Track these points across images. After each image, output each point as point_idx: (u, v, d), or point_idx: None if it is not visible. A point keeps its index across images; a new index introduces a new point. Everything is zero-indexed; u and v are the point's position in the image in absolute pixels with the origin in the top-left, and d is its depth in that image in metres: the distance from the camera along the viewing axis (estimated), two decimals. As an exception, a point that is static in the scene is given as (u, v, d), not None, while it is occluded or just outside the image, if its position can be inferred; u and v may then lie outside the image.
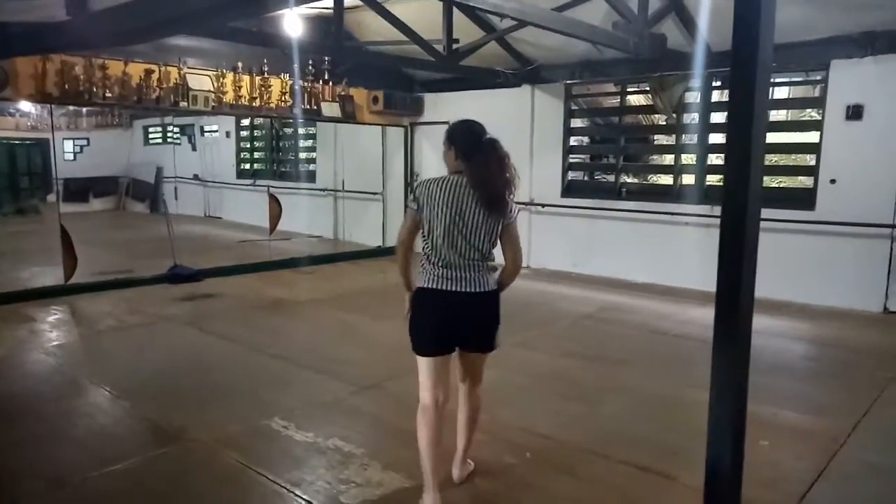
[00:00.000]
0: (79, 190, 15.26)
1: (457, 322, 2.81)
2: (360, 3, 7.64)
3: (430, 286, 2.79)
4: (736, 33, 2.08)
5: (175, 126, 14.81)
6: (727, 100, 8.42)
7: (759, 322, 5.63)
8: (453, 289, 2.76)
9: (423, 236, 2.83)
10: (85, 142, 15.93)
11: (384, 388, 4.40)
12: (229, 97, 7.89)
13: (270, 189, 9.68)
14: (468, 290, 2.76)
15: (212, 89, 7.73)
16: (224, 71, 7.81)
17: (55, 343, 5.36)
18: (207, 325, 5.93)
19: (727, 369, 2.13)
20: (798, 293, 6.84)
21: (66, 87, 6.65)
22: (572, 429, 3.74)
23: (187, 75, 7.51)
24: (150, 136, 16.21)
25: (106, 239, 11.08)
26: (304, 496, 2.95)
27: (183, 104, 7.51)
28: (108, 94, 6.96)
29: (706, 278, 7.20)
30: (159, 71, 7.30)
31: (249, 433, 3.62)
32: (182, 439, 3.55)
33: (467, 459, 3.17)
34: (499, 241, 2.83)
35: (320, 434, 3.58)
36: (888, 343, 5.58)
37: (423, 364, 2.85)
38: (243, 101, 8.03)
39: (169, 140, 15.58)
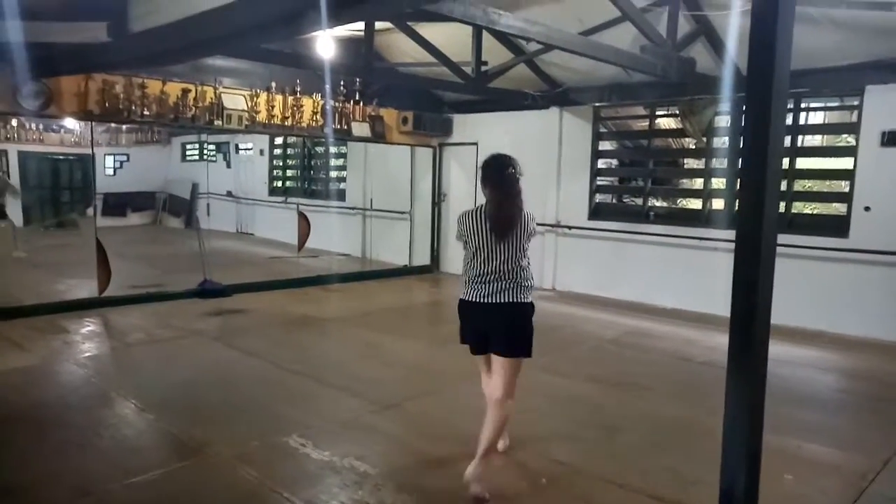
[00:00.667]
0: (117, 204, 15.67)
1: (483, 324, 3.31)
2: (391, 26, 7.83)
3: (467, 298, 3.34)
4: (751, 61, 2.08)
5: (211, 143, 15.21)
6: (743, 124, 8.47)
7: (789, 352, 5.53)
8: (484, 301, 3.26)
9: (465, 254, 3.38)
10: (125, 157, 16.41)
11: (403, 408, 4.42)
12: (262, 116, 8.08)
13: (300, 207, 9.82)
14: (496, 301, 3.24)
15: (246, 108, 7.92)
16: (258, 91, 8.01)
17: (87, 354, 5.50)
18: (234, 340, 6.03)
19: (741, 395, 2.12)
20: (830, 323, 6.68)
21: (107, 104, 6.90)
22: (590, 456, 3.70)
23: (222, 95, 7.72)
24: (188, 152, 16.64)
25: (140, 252, 11.35)
26: (317, 515, 2.98)
27: (217, 122, 7.72)
28: (147, 112, 7.19)
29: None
30: (196, 90, 7.52)
31: (268, 450, 3.66)
32: (202, 454, 3.61)
33: (485, 464, 3.20)
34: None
35: (336, 453, 3.61)
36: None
37: (480, 361, 3.49)
38: (276, 120, 8.21)
39: (205, 157, 15.99)
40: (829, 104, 7.11)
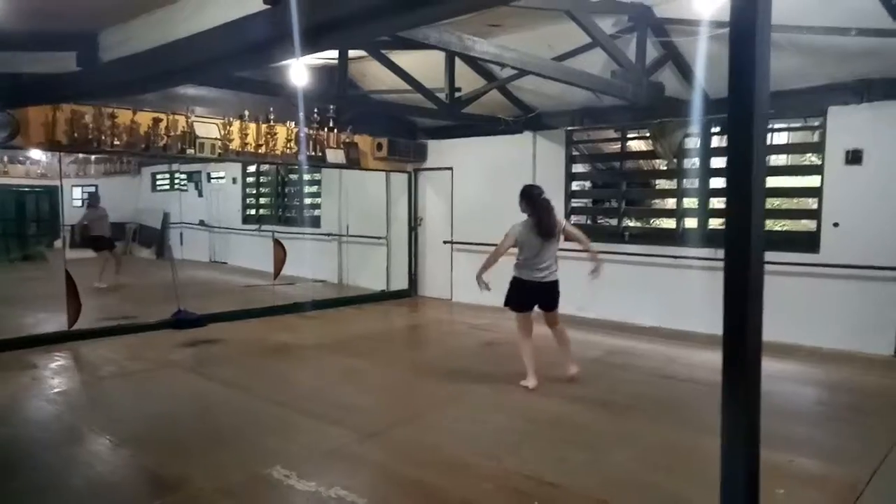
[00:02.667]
0: (87, 238, 15.36)
1: (539, 295, 5.37)
2: (365, 54, 7.88)
3: (524, 278, 5.30)
4: (732, 85, 2.10)
5: (182, 173, 15.03)
6: (726, 145, 8.66)
7: (768, 366, 5.54)
8: (536, 279, 5.29)
9: (518, 251, 5.30)
10: (93, 188, 16.11)
11: (387, 435, 4.34)
12: (236, 144, 8.02)
13: (275, 234, 9.73)
14: (547, 280, 5.35)
15: (218, 137, 7.85)
16: (231, 119, 7.96)
17: (56, 390, 5.31)
18: (210, 371, 5.89)
19: (737, 413, 2.10)
20: (806, 336, 6.78)
21: (76, 135, 6.77)
22: (580, 476, 3.66)
23: (194, 123, 7.65)
24: (158, 182, 16.42)
25: (111, 284, 11.08)
26: (305, 549, 2.88)
27: (190, 151, 7.63)
28: (117, 142, 7.08)
29: (712, 321, 7.21)
30: (167, 119, 7.43)
31: (250, 483, 3.55)
32: (181, 489, 3.48)
33: (572, 363, 5.50)
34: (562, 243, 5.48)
35: (322, 483, 3.51)
36: (899, 387, 5.50)
37: (521, 317, 5.40)
38: (249, 148, 8.15)
39: (176, 187, 15.79)
40: (793, 125, 7.28)
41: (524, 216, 5.31)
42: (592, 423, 4.60)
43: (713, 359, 6.03)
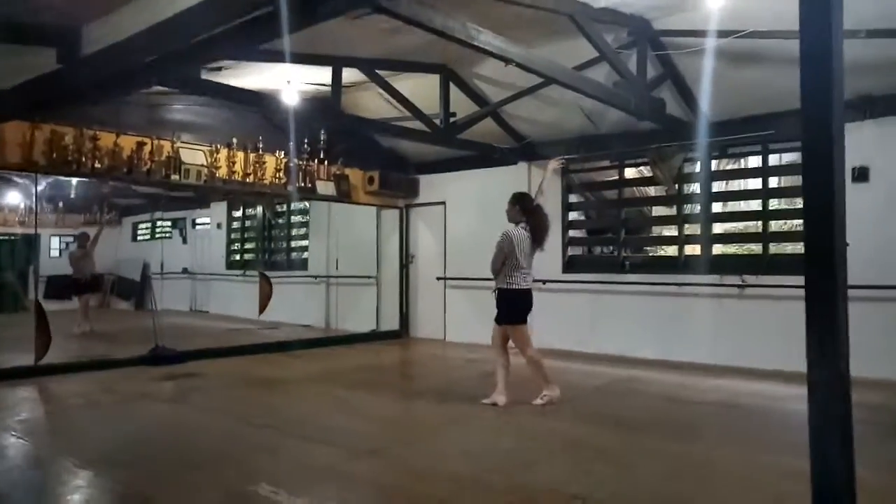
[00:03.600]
0: (63, 286, 14.84)
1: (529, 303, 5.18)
2: (357, 83, 7.75)
3: (523, 287, 5.08)
4: (806, 103, 1.89)
5: (166, 219, 14.70)
6: (731, 168, 8.52)
7: (796, 391, 5.13)
8: (528, 285, 5.13)
9: (509, 259, 5.04)
10: (72, 238, 15.68)
11: (381, 455, 3.88)
12: (223, 172, 7.73)
13: (262, 271, 9.34)
14: (530, 286, 5.16)
15: (205, 164, 7.57)
16: (218, 146, 7.70)
17: (17, 418, 4.79)
18: (188, 400, 5.41)
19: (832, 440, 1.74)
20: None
21: (55, 156, 6.46)
22: (606, 488, 3.23)
23: (180, 149, 7.38)
24: (139, 232, 16.07)
25: (87, 331, 10.52)
26: (296, 564, 2.42)
27: (175, 177, 7.32)
28: (98, 165, 6.77)
29: (720, 352, 6.92)
30: (152, 144, 7.16)
31: (231, 500, 3.08)
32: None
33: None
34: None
35: (315, 499, 3.05)
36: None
37: (524, 328, 5.11)
38: (237, 176, 7.87)
39: (158, 235, 15.42)
40: (795, 145, 7.13)
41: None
42: (609, 442, 4.18)
43: (725, 385, 5.78)
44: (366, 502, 3.05)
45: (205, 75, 5.92)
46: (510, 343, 5.19)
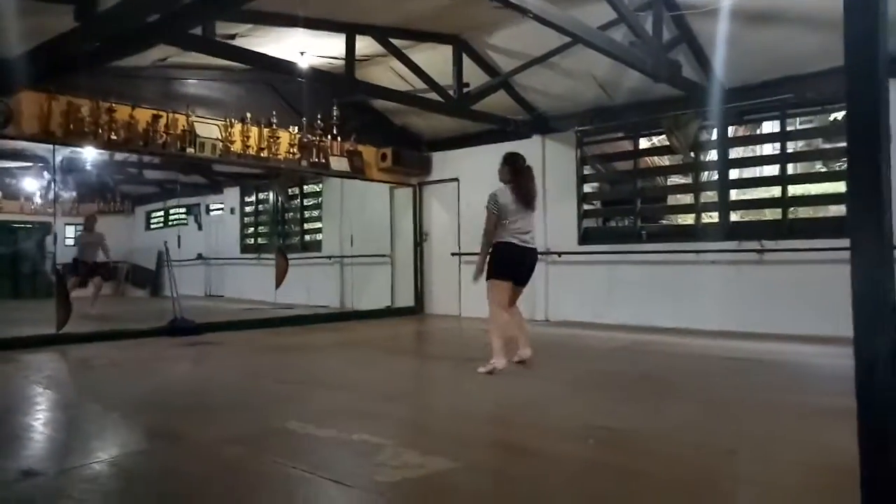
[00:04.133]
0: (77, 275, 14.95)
1: (521, 263, 4.85)
2: (369, 56, 7.75)
3: (514, 241, 4.76)
4: (849, 56, 1.82)
5: (181, 206, 14.77)
6: (749, 134, 8.44)
7: (821, 350, 5.02)
8: (523, 242, 4.80)
9: (501, 221, 4.77)
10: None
11: (410, 398, 3.92)
12: (237, 146, 7.75)
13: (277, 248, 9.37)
14: (528, 244, 4.85)
15: (220, 138, 7.60)
16: (232, 121, 7.72)
17: (43, 374, 4.83)
18: (210, 361, 5.44)
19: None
20: (847, 327, 6.37)
21: (71, 126, 6.50)
22: (634, 422, 3.22)
23: (195, 123, 7.40)
24: (152, 220, 16.14)
25: (102, 313, 10.60)
26: (332, 478, 2.42)
27: (190, 150, 7.34)
28: (114, 137, 6.80)
29: (740, 318, 6.87)
30: (167, 117, 7.19)
31: (261, 433, 3.09)
32: (180, 439, 3.02)
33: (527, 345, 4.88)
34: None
35: (344, 431, 3.06)
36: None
37: (502, 285, 4.79)
38: (251, 151, 7.89)
39: (172, 223, 15.49)
40: (816, 109, 7.08)
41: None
42: (634, 386, 4.18)
43: (747, 346, 5.74)
44: (391, 432, 3.05)
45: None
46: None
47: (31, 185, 13.67)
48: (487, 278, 4.81)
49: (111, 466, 2.61)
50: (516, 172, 4.91)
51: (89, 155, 10.02)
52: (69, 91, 6.46)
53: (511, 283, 4.80)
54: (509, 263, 4.77)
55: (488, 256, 4.79)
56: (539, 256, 5.21)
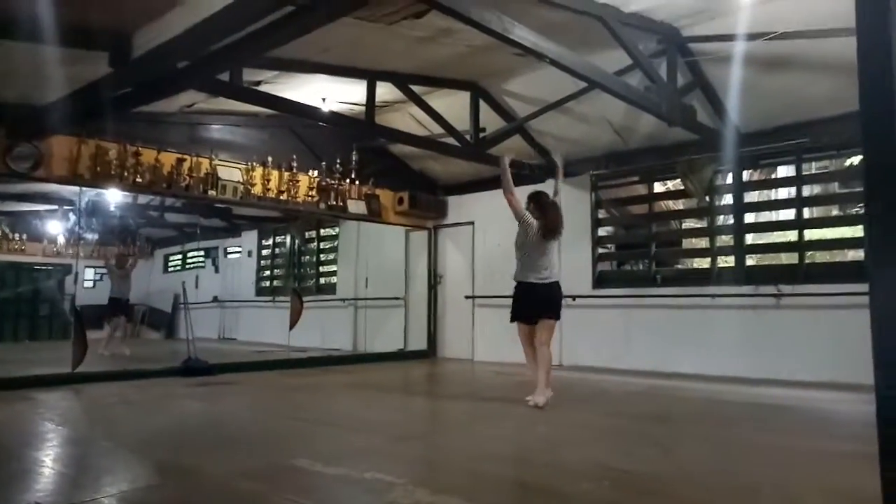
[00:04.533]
0: (94, 317, 15.07)
1: (541, 299, 5.03)
2: (388, 102, 7.95)
3: (530, 280, 5.01)
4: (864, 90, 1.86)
5: (200, 249, 14.97)
6: (764, 178, 8.44)
7: (839, 396, 4.96)
8: (539, 280, 5.00)
9: (519, 252, 5.16)
10: (105, 270, 16.03)
11: (424, 439, 3.86)
12: (258, 189, 7.90)
13: (293, 289, 9.43)
14: (546, 280, 5.02)
15: (241, 181, 7.76)
16: (254, 164, 7.90)
17: (56, 411, 4.85)
18: (223, 400, 5.44)
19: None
20: (866, 374, 6.23)
21: (99, 169, 6.68)
22: (650, 465, 3.15)
23: (218, 166, 7.58)
24: (170, 263, 16.36)
25: (115, 353, 10.66)
26: (340, 514, 2.39)
27: (212, 192, 7.50)
28: (139, 180, 6.97)
29: (758, 363, 6.74)
30: (191, 161, 7.37)
31: (271, 470, 3.06)
32: (190, 473, 3.00)
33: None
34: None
35: (355, 469, 3.02)
36: None
37: (520, 326, 5.10)
38: (271, 193, 8.04)
39: (189, 266, 15.69)
40: (831, 153, 7.09)
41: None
42: (652, 431, 4.09)
43: (765, 391, 5.63)
44: (402, 471, 3.00)
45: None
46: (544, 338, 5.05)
47: (55, 227, 13.97)
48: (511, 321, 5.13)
49: (120, 501, 2.59)
50: (542, 207, 5.20)
51: (113, 198, 10.29)
52: (98, 135, 6.67)
53: (526, 323, 5.00)
54: (520, 303, 5.01)
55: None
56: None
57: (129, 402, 5.33)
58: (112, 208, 11.94)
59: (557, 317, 5.04)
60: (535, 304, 4.95)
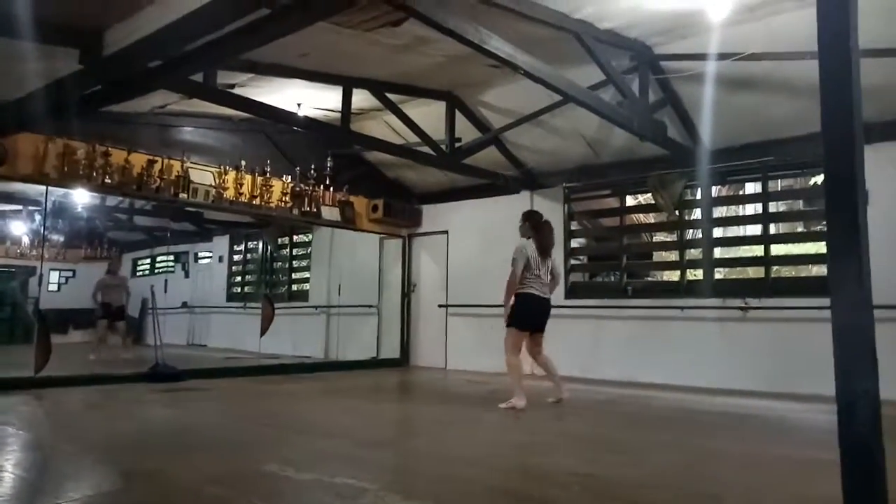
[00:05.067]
0: (59, 321, 14.73)
1: (541, 312, 5.56)
2: (364, 110, 7.96)
3: (536, 294, 5.45)
4: (826, 116, 1.95)
5: (170, 253, 14.73)
6: (732, 194, 8.63)
7: (804, 406, 5.09)
8: (542, 294, 5.50)
9: (526, 269, 5.42)
10: (71, 273, 15.66)
11: (392, 445, 3.85)
12: (230, 193, 7.83)
13: (265, 294, 9.34)
14: (545, 295, 5.52)
15: (213, 184, 7.68)
16: (227, 168, 7.82)
17: (17, 416, 4.71)
18: (191, 406, 5.35)
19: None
20: (828, 386, 6.38)
21: (66, 169, 6.56)
22: (619, 471, 3.19)
23: (190, 169, 7.50)
24: (139, 268, 16.06)
25: (82, 360, 10.41)
26: (309, 519, 2.37)
27: (183, 195, 7.41)
28: (108, 181, 6.86)
29: (725, 374, 6.87)
30: (162, 162, 7.28)
31: (239, 474, 3.03)
32: (155, 479, 2.95)
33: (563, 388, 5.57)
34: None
35: (325, 474, 3.00)
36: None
37: (517, 333, 5.42)
38: (244, 198, 7.96)
39: (158, 270, 15.41)
40: (796, 171, 7.29)
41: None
42: (619, 436, 4.15)
43: (732, 401, 5.75)
44: (374, 476, 2.99)
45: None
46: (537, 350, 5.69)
47: (19, 228, 13.62)
48: (507, 325, 5.39)
49: (82, 505, 2.54)
50: (536, 227, 5.62)
51: (80, 199, 10.08)
52: (66, 134, 6.55)
53: (529, 332, 5.48)
54: (532, 314, 5.46)
55: (514, 304, 5.38)
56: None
57: (94, 407, 5.23)
58: (79, 210, 11.71)
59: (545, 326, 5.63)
60: (541, 316, 5.53)
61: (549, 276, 5.57)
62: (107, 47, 4.55)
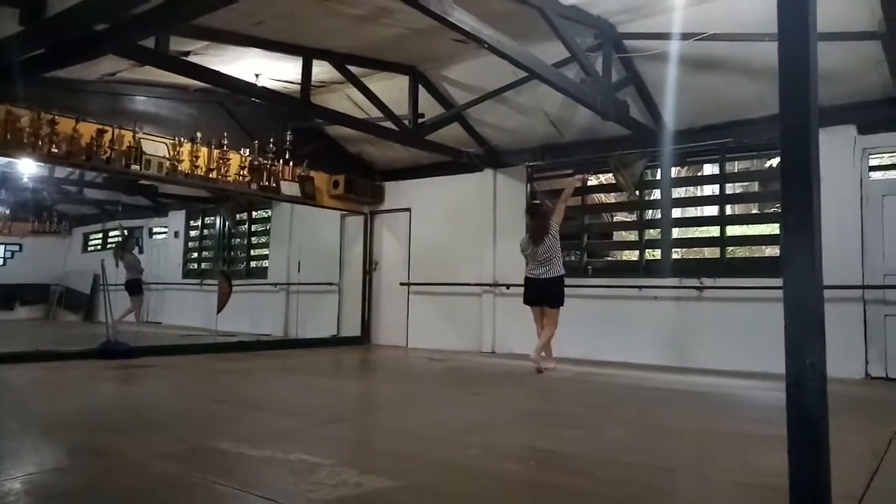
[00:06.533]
0: (4, 297, 14.21)
1: (537, 290, 6.44)
2: (325, 82, 7.78)
3: (527, 275, 6.53)
4: (784, 101, 1.94)
5: (124, 228, 14.28)
6: (692, 175, 8.75)
7: (756, 384, 5.20)
8: (533, 275, 6.46)
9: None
10: (17, 247, 15.05)
11: (349, 422, 3.82)
12: (185, 166, 7.58)
13: (221, 272, 9.14)
14: (539, 276, 6.39)
15: (167, 156, 7.43)
16: (182, 140, 7.57)
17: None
18: (143, 382, 5.20)
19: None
20: (778, 364, 6.57)
21: (9, 137, 6.25)
22: (576, 446, 3.21)
23: (142, 140, 7.23)
24: (90, 242, 15.54)
25: (31, 335, 10.07)
26: (263, 495, 2.31)
27: (135, 167, 7.15)
28: (55, 150, 6.56)
29: (680, 353, 7.03)
30: (112, 132, 6.99)
31: (191, 451, 2.95)
32: (105, 456, 2.85)
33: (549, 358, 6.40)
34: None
35: (280, 451, 2.94)
36: (886, 396, 5.30)
37: (532, 309, 6.56)
38: (199, 171, 7.73)
39: (110, 245, 14.94)
40: (752, 154, 7.41)
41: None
42: (578, 413, 4.19)
43: (686, 378, 5.86)
44: (329, 452, 2.95)
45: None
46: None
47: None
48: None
49: (24, 484, 2.43)
50: (529, 218, 6.65)
51: (27, 170, 9.65)
52: (8, 100, 6.23)
53: (533, 307, 6.54)
54: (526, 291, 6.59)
55: None
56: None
57: (41, 384, 5.04)
58: (26, 180, 11.22)
59: (554, 305, 6.38)
60: (533, 291, 6.45)
61: (540, 261, 6.34)
62: (50, 7, 4.33)
